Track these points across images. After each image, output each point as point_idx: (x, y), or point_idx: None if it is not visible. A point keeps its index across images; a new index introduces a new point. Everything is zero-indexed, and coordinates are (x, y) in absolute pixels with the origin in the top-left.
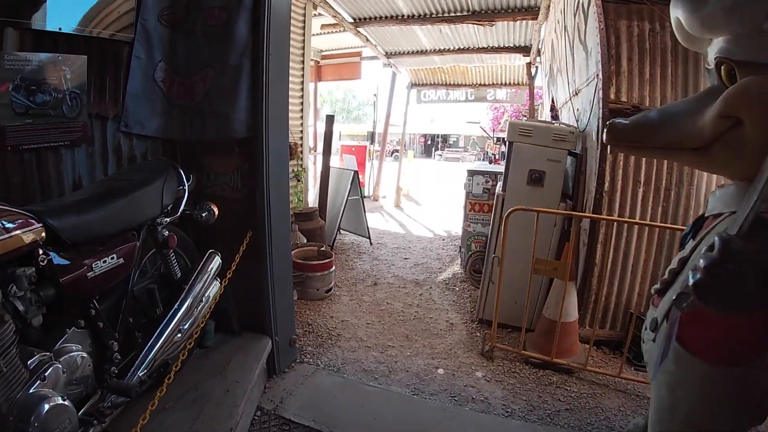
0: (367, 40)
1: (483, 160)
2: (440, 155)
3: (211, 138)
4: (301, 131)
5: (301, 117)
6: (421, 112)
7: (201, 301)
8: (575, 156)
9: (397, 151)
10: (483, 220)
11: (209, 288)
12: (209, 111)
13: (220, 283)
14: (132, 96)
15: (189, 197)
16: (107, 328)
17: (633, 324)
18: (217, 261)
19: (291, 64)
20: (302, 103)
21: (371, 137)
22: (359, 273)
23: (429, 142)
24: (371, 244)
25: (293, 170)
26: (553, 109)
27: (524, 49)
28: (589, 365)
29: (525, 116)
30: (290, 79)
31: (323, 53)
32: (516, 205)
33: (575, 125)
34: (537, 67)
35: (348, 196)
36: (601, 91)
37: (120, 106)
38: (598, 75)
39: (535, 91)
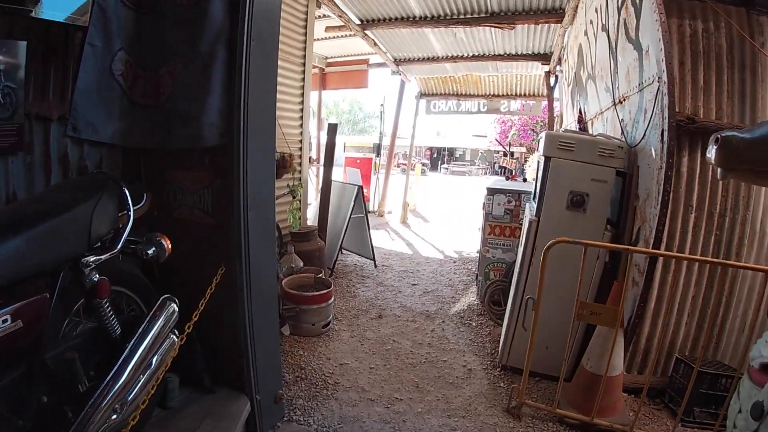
0: (375, 44)
1: (490, 174)
2: (446, 168)
3: (177, 146)
4: (301, 141)
5: (301, 125)
6: (428, 124)
7: (149, 365)
8: (621, 176)
9: (423, 164)
10: (504, 245)
11: (160, 347)
12: (175, 111)
13: (178, 338)
14: (83, 92)
15: (143, 224)
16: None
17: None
18: (171, 310)
19: (290, 66)
20: (302, 110)
21: (377, 149)
22: (362, 302)
23: (435, 155)
24: (376, 266)
25: (288, 185)
26: (580, 121)
27: (543, 57)
28: (636, 425)
29: (533, 130)
30: (289, 82)
31: (328, 60)
32: (552, 233)
33: (620, 139)
34: (556, 77)
35: (351, 214)
36: (666, 97)
37: (68, 106)
38: (660, 78)
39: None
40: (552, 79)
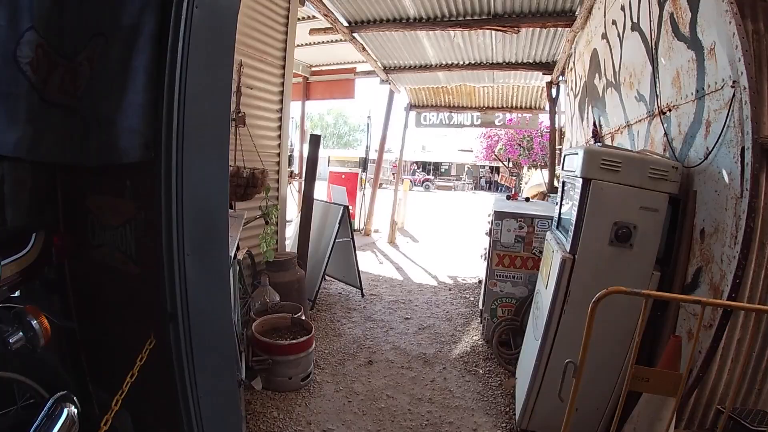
0: (364, 49)
1: (476, 189)
2: (432, 183)
3: (90, 161)
4: (279, 154)
5: (279, 137)
6: (412, 138)
7: None
8: (671, 203)
9: (429, 180)
10: (514, 277)
11: None
12: (90, 112)
13: None
14: None
15: (39, 276)
16: None
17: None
18: (66, 417)
19: (268, 69)
20: (281, 119)
21: (363, 164)
22: (348, 342)
23: (421, 170)
24: (363, 295)
25: (261, 207)
26: (596, 135)
27: (545, 66)
28: None
29: (520, 145)
30: (266, 87)
31: (313, 68)
32: (591, 275)
33: (665, 156)
34: (558, 88)
35: (336, 238)
36: (746, 107)
37: None
38: (736, 82)
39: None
40: (554, 90)
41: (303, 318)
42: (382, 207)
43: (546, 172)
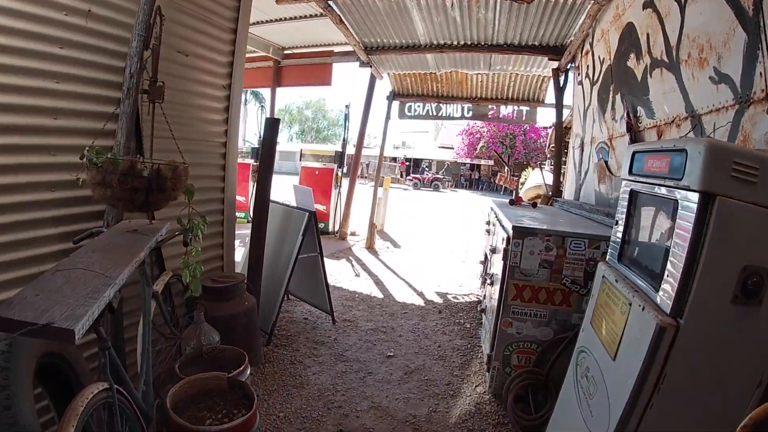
0: (341, 21)
1: (455, 187)
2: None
3: None
4: (224, 144)
5: (226, 121)
6: (392, 134)
7: None
8: None
9: (438, 179)
10: (537, 315)
11: None
12: None
13: None
14: None
15: None
16: None
17: None
18: None
19: (211, 30)
20: (229, 98)
21: (339, 159)
22: (312, 397)
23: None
24: (334, 322)
25: (179, 221)
26: (630, 127)
27: (553, 51)
28: None
29: (502, 143)
30: (206, 53)
31: (285, 51)
32: (704, 349)
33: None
34: (566, 75)
35: (298, 253)
36: None
37: None
38: None
39: (566, 111)
40: (561, 78)
41: (248, 370)
42: (360, 206)
43: (546, 173)
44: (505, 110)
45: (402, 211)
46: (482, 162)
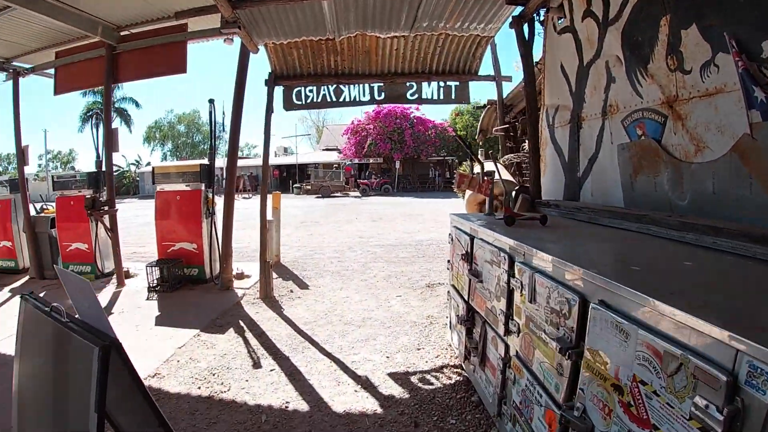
0: None
1: (368, 194)
2: (299, 188)
3: None
4: None
5: None
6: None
7: None
8: None
9: (387, 183)
10: None
11: None
12: None
13: None
14: None
15: None
16: None
17: None
18: None
19: None
20: None
21: (208, 174)
22: None
23: (284, 175)
24: None
25: None
26: (747, 69)
27: None
28: None
29: (391, 138)
30: None
31: (122, 32)
32: None
33: None
34: (531, 24)
35: None
36: None
37: None
38: None
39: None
40: (526, 29)
41: None
42: (243, 231)
43: (501, 167)
44: (429, 89)
45: (299, 223)
46: (371, 161)
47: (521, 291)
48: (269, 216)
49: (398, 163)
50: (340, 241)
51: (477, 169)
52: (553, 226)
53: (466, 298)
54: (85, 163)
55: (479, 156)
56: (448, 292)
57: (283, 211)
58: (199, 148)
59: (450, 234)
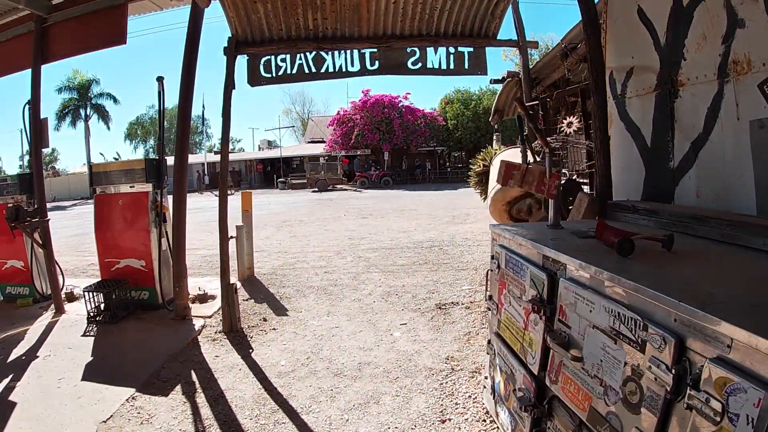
0: None
1: (367, 186)
2: (284, 182)
3: None
4: None
5: None
6: (256, 134)
7: None
8: None
9: (386, 175)
10: None
11: None
12: None
13: None
14: None
15: None
16: None
17: None
18: None
19: None
20: None
21: (156, 172)
22: None
23: (269, 169)
24: None
25: None
26: None
27: None
28: None
29: (379, 129)
30: None
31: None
32: None
33: None
34: None
35: None
36: None
37: None
38: None
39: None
40: None
41: None
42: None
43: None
44: (435, 56)
45: (280, 221)
46: (358, 152)
47: (711, 416)
48: (239, 222)
49: (387, 154)
50: (327, 244)
51: (529, 158)
52: (687, 254)
53: (533, 368)
54: (70, 163)
55: (498, 142)
56: (489, 341)
57: (264, 209)
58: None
59: (494, 257)
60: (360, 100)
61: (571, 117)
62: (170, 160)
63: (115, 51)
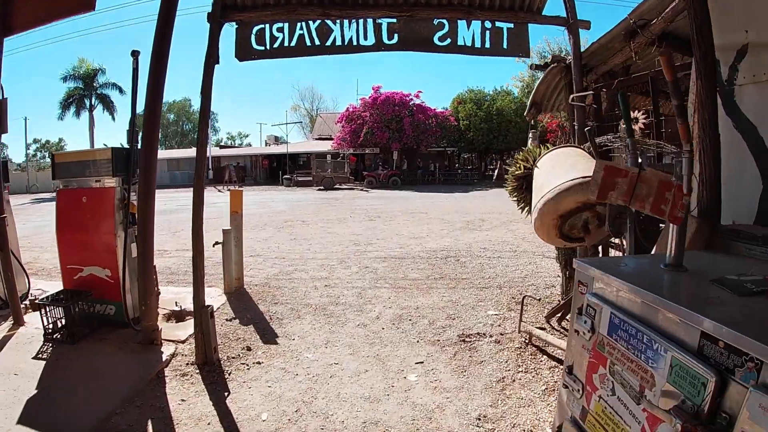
0: None
1: (374, 187)
2: (289, 179)
3: None
4: None
5: None
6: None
7: None
8: None
9: (395, 174)
10: None
11: None
12: None
13: None
14: None
15: None
16: None
17: None
18: None
19: None
20: None
21: (125, 164)
22: None
23: (275, 165)
24: None
25: None
26: None
27: None
28: None
29: (389, 127)
30: None
31: None
32: None
33: None
34: None
35: None
36: None
37: None
38: None
39: None
40: None
41: None
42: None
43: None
44: (467, 31)
45: (282, 224)
46: (366, 151)
47: None
48: (227, 225)
49: (396, 154)
50: (330, 249)
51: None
52: None
53: None
54: None
55: (534, 141)
56: (560, 429)
57: (267, 207)
58: (189, 137)
59: (582, 312)
60: (370, 97)
61: (637, 112)
62: (164, 154)
63: (122, 41)
